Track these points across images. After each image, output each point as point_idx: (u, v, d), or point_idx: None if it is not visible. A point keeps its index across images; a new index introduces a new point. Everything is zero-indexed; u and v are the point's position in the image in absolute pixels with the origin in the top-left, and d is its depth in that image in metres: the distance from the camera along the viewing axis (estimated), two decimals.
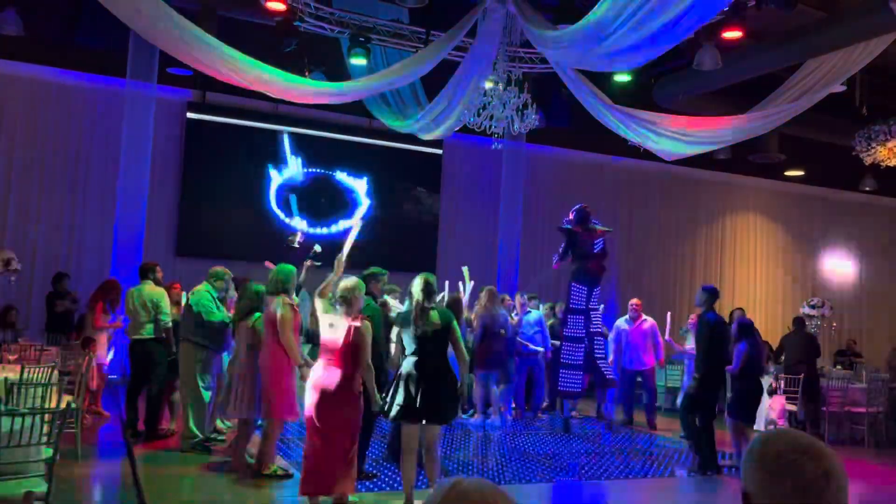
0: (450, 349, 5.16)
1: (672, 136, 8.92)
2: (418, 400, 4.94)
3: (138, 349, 7.26)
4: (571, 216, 8.95)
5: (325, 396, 4.92)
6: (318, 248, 7.59)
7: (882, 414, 9.59)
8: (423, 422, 5.03)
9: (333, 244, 12.45)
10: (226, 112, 12.24)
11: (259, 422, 6.39)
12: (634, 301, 9.91)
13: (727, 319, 9.05)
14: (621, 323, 9.92)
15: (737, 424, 7.22)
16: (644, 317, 9.79)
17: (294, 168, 12.49)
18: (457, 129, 10.18)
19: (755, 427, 9.56)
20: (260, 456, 5.91)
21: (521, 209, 13.25)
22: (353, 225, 5.81)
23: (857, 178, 14.48)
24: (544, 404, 10.24)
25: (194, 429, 6.62)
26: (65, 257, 11.24)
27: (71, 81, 11.41)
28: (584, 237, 8.84)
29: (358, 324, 4.95)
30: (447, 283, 8.74)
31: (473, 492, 1.08)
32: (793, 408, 9.19)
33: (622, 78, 10.67)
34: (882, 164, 10.53)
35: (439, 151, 13.64)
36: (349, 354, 4.93)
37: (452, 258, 12.88)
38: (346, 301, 4.98)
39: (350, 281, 5.07)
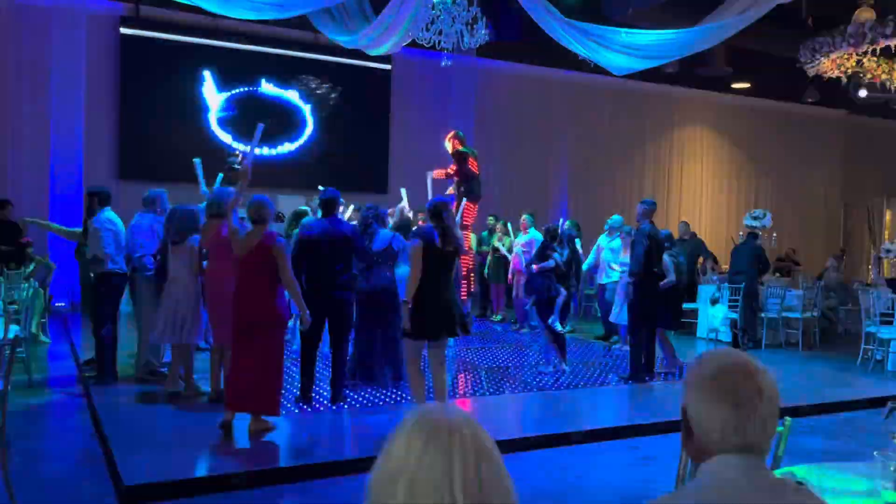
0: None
1: (622, 51, 8.85)
2: (429, 320, 5.04)
3: None
4: (459, 141, 9.37)
5: (241, 313, 4.98)
6: (239, 155, 7.29)
7: (815, 319, 10.13)
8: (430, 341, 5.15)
9: (277, 165, 12.33)
10: (162, 27, 11.66)
11: (203, 345, 6.43)
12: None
13: (675, 232, 9.26)
14: (602, 239, 9.76)
15: (660, 332, 7.62)
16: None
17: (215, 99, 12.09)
18: (405, 44, 9.92)
19: (698, 335, 9.99)
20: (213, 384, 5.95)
21: (472, 125, 13.14)
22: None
23: (801, 91, 14.69)
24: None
25: (149, 356, 6.61)
26: (0, 183, 10.79)
27: None
28: (471, 159, 9.34)
29: (270, 241, 4.97)
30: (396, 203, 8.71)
31: (440, 418, 1.10)
32: (734, 316, 9.59)
33: None
34: (825, 75, 10.66)
35: (388, 67, 13.33)
36: (264, 271, 4.96)
37: (404, 176, 12.76)
38: (256, 218, 5.00)
39: (258, 200, 5.07)
